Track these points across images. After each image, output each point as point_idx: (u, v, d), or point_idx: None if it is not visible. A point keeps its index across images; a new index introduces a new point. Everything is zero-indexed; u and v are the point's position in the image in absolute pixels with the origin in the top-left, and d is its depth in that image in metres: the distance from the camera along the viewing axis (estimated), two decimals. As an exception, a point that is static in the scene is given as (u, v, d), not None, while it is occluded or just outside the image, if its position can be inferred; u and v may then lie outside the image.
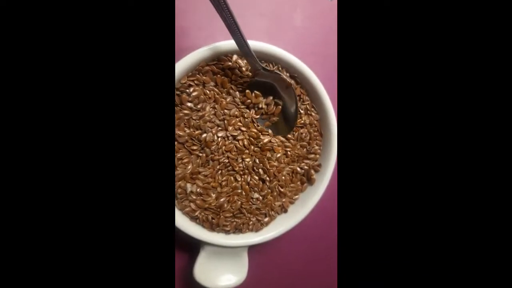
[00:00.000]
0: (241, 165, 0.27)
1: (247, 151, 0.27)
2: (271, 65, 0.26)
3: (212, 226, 0.27)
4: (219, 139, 0.26)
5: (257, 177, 0.27)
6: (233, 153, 0.26)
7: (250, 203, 0.27)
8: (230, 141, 0.27)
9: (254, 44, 0.26)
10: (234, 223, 0.27)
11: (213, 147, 0.26)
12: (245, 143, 0.27)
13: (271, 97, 0.27)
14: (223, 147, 0.26)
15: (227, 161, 0.26)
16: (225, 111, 0.26)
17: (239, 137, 0.27)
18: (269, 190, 0.27)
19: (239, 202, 0.27)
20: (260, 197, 0.27)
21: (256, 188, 0.27)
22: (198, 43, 0.29)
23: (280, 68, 0.27)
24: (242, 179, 0.27)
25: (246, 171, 0.27)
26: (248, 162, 0.27)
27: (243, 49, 0.24)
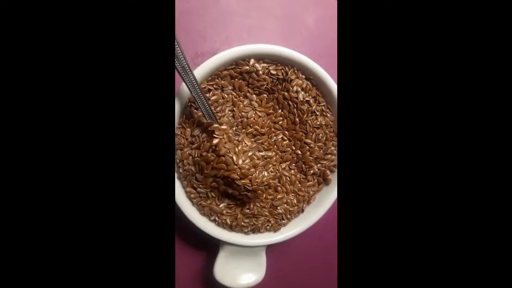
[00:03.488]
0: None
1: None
2: (286, 68, 0.27)
3: (231, 227, 0.27)
4: (237, 141, 0.27)
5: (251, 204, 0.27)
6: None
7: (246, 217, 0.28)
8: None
9: (269, 48, 0.26)
10: (253, 225, 0.28)
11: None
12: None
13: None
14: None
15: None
16: (243, 113, 0.27)
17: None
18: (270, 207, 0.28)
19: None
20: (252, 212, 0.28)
21: (247, 209, 0.28)
22: (216, 46, 0.30)
23: (295, 71, 0.27)
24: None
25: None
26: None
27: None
